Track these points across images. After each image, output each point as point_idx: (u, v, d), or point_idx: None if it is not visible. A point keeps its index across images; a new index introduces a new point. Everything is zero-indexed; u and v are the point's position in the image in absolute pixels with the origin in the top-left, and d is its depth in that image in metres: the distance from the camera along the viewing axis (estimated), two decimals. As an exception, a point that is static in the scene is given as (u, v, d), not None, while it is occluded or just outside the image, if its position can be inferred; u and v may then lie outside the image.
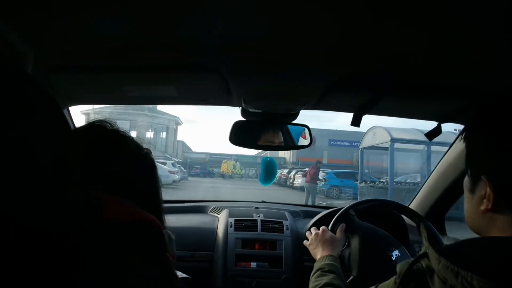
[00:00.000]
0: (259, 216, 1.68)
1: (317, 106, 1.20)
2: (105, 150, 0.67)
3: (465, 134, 0.64)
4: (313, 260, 1.30)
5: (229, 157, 35.49)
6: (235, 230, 1.56)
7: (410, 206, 1.66)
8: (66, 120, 0.41)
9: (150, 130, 29.70)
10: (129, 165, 0.68)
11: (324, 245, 1.23)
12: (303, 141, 1.33)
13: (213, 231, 1.59)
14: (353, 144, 28.19)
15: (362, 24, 0.68)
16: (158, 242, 0.60)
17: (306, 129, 1.32)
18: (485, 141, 0.58)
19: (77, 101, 1.22)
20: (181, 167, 22.55)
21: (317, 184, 11.40)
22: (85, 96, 1.20)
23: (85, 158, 0.56)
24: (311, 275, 1.11)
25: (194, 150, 42.38)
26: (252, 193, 14.25)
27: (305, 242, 1.33)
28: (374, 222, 1.51)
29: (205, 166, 34.97)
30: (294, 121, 1.30)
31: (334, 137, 27.71)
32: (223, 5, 0.63)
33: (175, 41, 0.80)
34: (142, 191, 0.68)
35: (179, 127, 35.11)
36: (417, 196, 1.70)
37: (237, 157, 34.09)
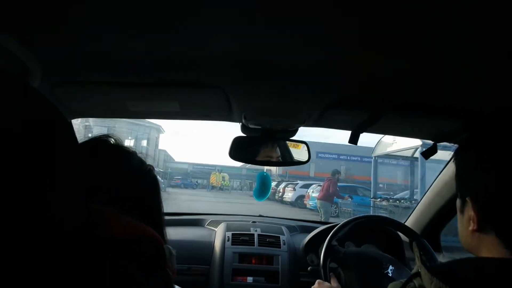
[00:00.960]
0: (256, 231, 1.73)
1: (316, 123, 1.25)
2: (108, 165, 0.69)
3: (456, 156, 0.67)
4: (310, 276, 1.35)
5: (212, 167, 35.06)
6: (232, 244, 1.61)
7: (406, 223, 1.72)
8: (73, 135, 0.43)
9: (129, 138, 29.19)
10: (132, 181, 0.70)
11: None
12: (301, 157, 1.40)
13: (210, 245, 1.64)
14: (341, 157, 28.38)
15: (362, 46, 0.72)
16: (158, 257, 0.62)
17: (304, 145, 1.39)
18: (468, 163, 0.62)
19: (80, 114, 1.25)
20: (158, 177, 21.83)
21: (332, 202, 8.57)
22: (89, 109, 1.24)
23: (88, 172, 0.58)
24: None
25: (176, 160, 41.80)
26: (236, 208, 13.42)
27: None
28: (372, 238, 1.58)
29: (188, 177, 34.27)
30: (293, 137, 1.35)
31: (322, 150, 27.87)
32: (225, 25, 0.67)
33: (178, 60, 0.84)
34: (144, 207, 0.70)
35: (161, 135, 34.73)
36: (413, 213, 1.76)
37: (221, 168, 33.88)
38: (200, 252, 1.60)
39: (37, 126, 0.38)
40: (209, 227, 1.88)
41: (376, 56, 0.76)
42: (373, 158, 10.94)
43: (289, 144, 1.39)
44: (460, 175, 0.64)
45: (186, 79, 0.94)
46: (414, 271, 0.62)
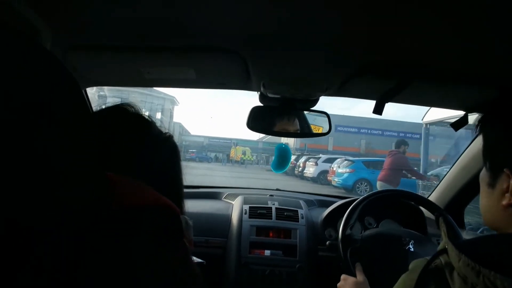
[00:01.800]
0: (274, 204, 1.75)
1: (339, 93, 1.23)
2: (127, 133, 0.70)
3: (483, 126, 0.65)
4: (328, 250, 1.36)
5: (228, 141, 35.36)
6: (249, 217, 1.63)
7: (430, 198, 1.71)
8: (85, 101, 0.43)
9: (144, 109, 29.49)
10: (152, 149, 0.72)
11: None
12: (321, 128, 1.39)
13: (228, 218, 1.66)
14: (361, 130, 28.13)
15: (389, 11, 0.70)
16: (175, 227, 0.62)
17: (325, 116, 1.37)
18: (503, 132, 0.59)
19: (94, 83, 1.26)
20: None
21: (398, 184, 6.06)
22: (103, 77, 1.24)
23: (107, 140, 0.60)
24: None
25: (192, 133, 42.23)
26: (251, 183, 12.49)
27: None
28: (392, 213, 1.57)
29: (203, 150, 34.59)
30: (313, 108, 1.34)
31: (341, 123, 27.63)
32: None
33: (196, 24, 0.83)
34: (164, 175, 0.72)
35: (176, 107, 35.01)
36: (437, 188, 1.75)
37: (237, 142, 34.05)
38: (217, 225, 1.63)
39: (48, 88, 0.38)
40: (226, 200, 1.91)
41: (401, 22, 0.74)
42: (424, 126, 8.91)
43: (308, 115, 1.37)
44: (493, 145, 0.62)
45: (203, 44, 0.93)
46: (440, 247, 0.61)
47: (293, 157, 18.57)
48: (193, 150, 32.72)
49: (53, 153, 0.37)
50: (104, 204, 0.48)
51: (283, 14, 0.75)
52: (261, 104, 1.33)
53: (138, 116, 0.75)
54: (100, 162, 0.46)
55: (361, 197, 1.52)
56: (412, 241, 1.35)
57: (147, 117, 0.77)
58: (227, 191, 1.98)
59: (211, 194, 1.99)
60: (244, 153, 31.81)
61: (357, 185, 11.70)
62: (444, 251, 0.58)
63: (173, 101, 33.35)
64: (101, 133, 0.46)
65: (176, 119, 36.61)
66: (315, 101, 1.31)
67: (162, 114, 31.30)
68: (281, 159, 1.49)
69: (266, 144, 36.00)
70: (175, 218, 0.62)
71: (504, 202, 0.58)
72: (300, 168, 17.52)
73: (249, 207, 1.70)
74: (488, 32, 0.76)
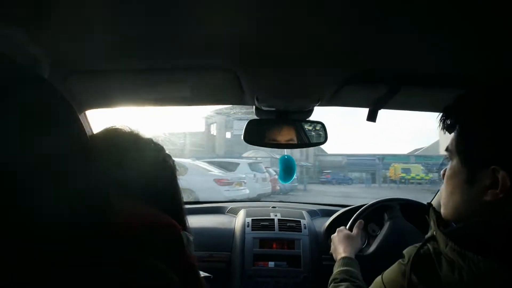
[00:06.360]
0: (276, 216, 1.87)
1: (331, 102, 1.33)
2: (124, 154, 0.76)
3: (464, 125, 0.70)
4: (332, 259, 1.48)
5: (372, 158, 33.19)
6: (252, 230, 1.76)
7: (432, 203, 1.68)
8: (81, 125, 0.47)
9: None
10: (150, 169, 0.77)
11: (339, 245, 1.35)
12: (318, 138, 1.49)
13: (231, 231, 1.80)
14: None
15: (376, 20, 0.78)
16: (175, 244, 0.68)
17: (320, 125, 1.49)
18: (497, 131, 0.63)
19: (93, 105, 1.39)
20: (274, 170, 14.15)
21: None
22: (101, 99, 1.36)
23: (104, 162, 0.67)
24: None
25: (329, 152, 39.17)
26: None
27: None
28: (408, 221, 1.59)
29: (342, 171, 31.42)
30: (309, 118, 1.45)
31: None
32: (235, 5, 0.74)
33: (189, 43, 0.92)
34: (163, 194, 0.78)
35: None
36: (438, 194, 1.77)
37: (383, 157, 31.67)
38: (221, 239, 1.76)
39: (47, 116, 0.42)
40: (229, 214, 2.05)
41: (391, 27, 0.81)
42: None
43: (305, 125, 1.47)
44: (477, 143, 0.66)
45: (196, 62, 1.03)
46: (428, 235, 0.68)
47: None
48: (328, 171, 30.22)
49: (46, 178, 0.41)
50: (104, 225, 0.51)
51: (273, 30, 0.83)
52: (257, 117, 1.45)
53: (134, 136, 0.81)
54: (98, 182, 0.50)
55: (365, 206, 1.62)
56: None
57: (143, 137, 0.82)
58: (229, 205, 2.12)
59: (214, 209, 2.13)
60: (407, 171, 28.30)
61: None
62: (432, 238, 0.66)
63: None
64: (96, 154, 0.51)
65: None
66: (310, 112, 1.41)
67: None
68: (287, 170, 1.63)
69: (420, 158, 32.90)
70: (176, 236, 0.69)
71: (488, 197, 0.62)
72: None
73: (252, 219, 1.82)
74: (474, 38, 0.83)
